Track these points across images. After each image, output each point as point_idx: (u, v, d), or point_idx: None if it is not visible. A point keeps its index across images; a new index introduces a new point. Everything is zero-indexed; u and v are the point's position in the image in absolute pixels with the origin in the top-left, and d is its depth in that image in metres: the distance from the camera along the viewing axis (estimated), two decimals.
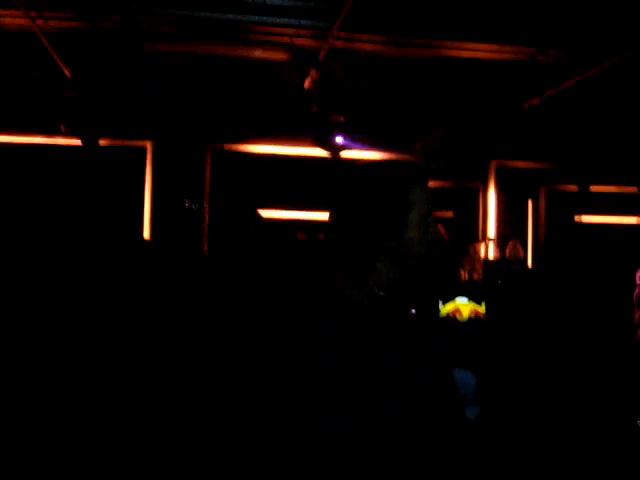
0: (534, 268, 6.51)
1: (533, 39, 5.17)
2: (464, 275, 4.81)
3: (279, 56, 5.33)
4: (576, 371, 3.44)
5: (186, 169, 6.19)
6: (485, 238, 6.53)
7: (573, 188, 7.15)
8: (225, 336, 2.92)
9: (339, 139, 5.90)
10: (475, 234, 6.86)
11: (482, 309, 3.97)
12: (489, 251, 6.40)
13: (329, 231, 1.67)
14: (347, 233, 1.70)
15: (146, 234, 6.05)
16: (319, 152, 6.25)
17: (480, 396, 3.25)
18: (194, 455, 2.74)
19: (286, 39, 5.08)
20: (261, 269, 3.91)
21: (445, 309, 3.88)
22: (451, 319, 3.83)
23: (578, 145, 6.69)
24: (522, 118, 6.38)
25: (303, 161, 6.57)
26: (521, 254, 5.32)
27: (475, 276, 4.50)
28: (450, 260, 5.04)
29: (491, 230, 6.81)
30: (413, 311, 1.72)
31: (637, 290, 4.56)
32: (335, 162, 6.32)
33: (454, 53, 5.29)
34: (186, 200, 4.58)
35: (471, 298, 4.03)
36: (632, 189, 7.22)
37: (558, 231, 7.08)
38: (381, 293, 1.69)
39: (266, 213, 6.51)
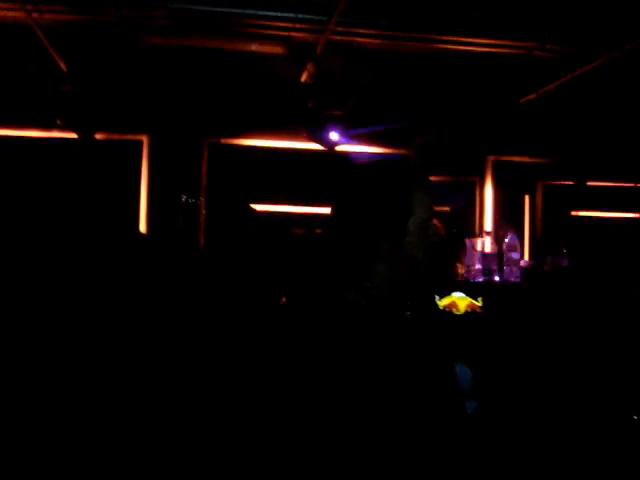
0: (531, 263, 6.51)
1: (531, 34, 5.15)
2: (461, 269, 4.81)
3: (276, 50, 5.31)
4: (573, 365, 3.43)
5: (183, 163, 6.19)
6: (482, 232, 6.52)
7: (570, 183, 7.16)
8: (222, 332, 2.91)
9: (334, 134, 5.89)
10: (472, 229, 6.87)
11: (479, 303, 3.98)
12: (486, 245, 6.39)
13: (329, 226, 1.66)
14: (345, 231, 1.68)
15: (142, 228, 6.04)
16: (317, 146, 6.24)
17: (476, 390, 3.25)
18: (192, 453, 2.73)
19: (283, 32, 5.05)
20: (258, 263, 3.90)
21: (441, 303, 3.89)
22: (447, 313, 3.83)
23: (575, 140, 6.70)
24: (519, 113, 6.37)
25: (301, 155, 6.57)
26: (518, 249, 5.31)
27: (471, 270, 4.51)
28: (447, 255, 5.04)
29: (488, 224, 6.82)
30: (408, 313, 1.72)
31: None
32: (334, 157, 6.32)
33: (451, 47, 5.26)
34: (182, 194, 4.57)
35: (467, 292, 4.03)
36: (630, 184, 7.23)
37: (555, 226, 7.08)
38: (376, 294, 1.68)
39: (263, 207, 6.51)
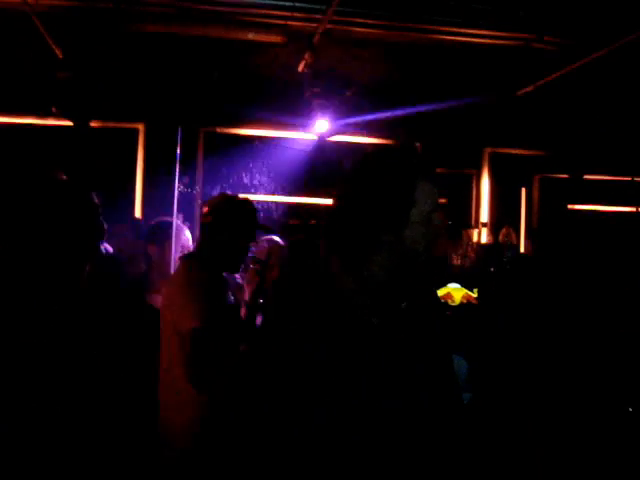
0: (526, 255, 6.52)
1: (529, 25, 5.14)
2: (456, 261, 4.82)
3: (273, 39, 5.28)
4: (568, 356, 3.43)
5: (178, 151, 6.16)
6: (478, 224, 6.53)
7: (567, 176, 7.17)
8: (215, 323, 2.88)
9: (330, 124, 5.87)
10: (468, 220, 6.88)
11: (474, 294, 3.99)
12: (482, 237, 6.41)
13: (331, 214, 1.64)
14: (346, 219, 1.66)
15: (138, 216, 6.03)
16: (314, 136, 6.23)
17: (471, 382, 3.25)
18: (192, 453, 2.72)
19: (280, 21, 5.02)
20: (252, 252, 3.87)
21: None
22: (442, 304, 3.83)
23: (572, 133, 6.70)
24: (516, 105, 6.37)
25: (298, 144, 6.56)
26: (514, 241, 5.33)
27: (467, 262, 4.52)
28: (444, 248, 5.04)
29: (484, 217, 6.82)
30: (405, 304, 1.70)
31: None
32: (331, 147, 6.31)
33: (449, 38, 5.24)
34: (178, 183, 4.55)
35: (463, 284, 4.04)
36: (626, 178, 7.24)
37: (551, 219, 7.09)
38: (373, 283, 1.66)
39: (258, 197, 6.50)
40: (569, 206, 7.21)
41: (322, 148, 6.35)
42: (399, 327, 1.67)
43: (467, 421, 1.78)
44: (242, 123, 6.49)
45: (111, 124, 6.19)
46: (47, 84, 5.59)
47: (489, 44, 5.32)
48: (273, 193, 6.76)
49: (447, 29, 5.16)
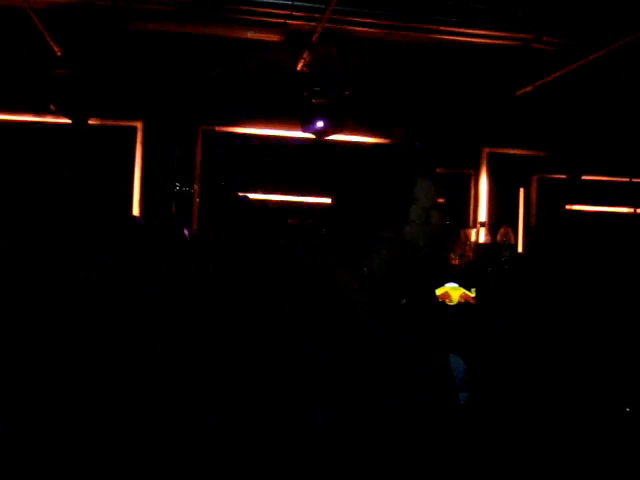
0: (524, 255, 6.53)
1: (528, 26, 5.14)
2: (455, 260, 4.82)
3: (272, 37, 5.28)
4: (565, 356, 3.44)
5: (177, 150, 6.16)
6: (476, 224, 6.53)
7: (565, 177, 7.17)
8: (215, 322, 2.88)
9: (327, 123, 5.86)
10: (466, 220, 6.88)
11: (472, 294, 3.98)
12: (480, 237, 6.41)
13: (330, 212, 1.63)
14: (346, 216, 1.65)
15: (136, 213, 6.02)
16: (312, 135, 6.22)
17: (468, 381, 3.25)
18: (192, 453, 2.72)
19: (279, 20, 5.02)
20: (250, 252, 3.87)
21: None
22: (440, 303, 3.83)
23: (571, 134, 6.70)
24: (515, 105, 6.37)
25: (296, 143, 6.55)
26: (512, 240, 5.33)
27: (465, 261, 4.51)
28: (442, 246, 5.04)
29: (482, 216, 6.83)
30: (404, 300, 1.69)
31: None
32: (330, 146, 6.29)
33: (448, 38, 5.24)
34: (176, 182, 4.55)
35: (461, 283, 4.03)
36: (624, 179, 7.24)
37: (549, 219, 7.10)
38: (373, 279, 1.66)
39: (257, 196, 6.48)
40: (567, 206, 7.21)
41: (321, 147, 6.34)
42: (399, 326, 1.67)
43: (464, 421, 1.77)
44: (241, 122, 6.48)
45: (109, 122, 6.18)
46: (45, 81, 5.58)
47: (488, 44, 5.33)
48: (271, 192, 6.76)
49: (446, 29, 5.16)
